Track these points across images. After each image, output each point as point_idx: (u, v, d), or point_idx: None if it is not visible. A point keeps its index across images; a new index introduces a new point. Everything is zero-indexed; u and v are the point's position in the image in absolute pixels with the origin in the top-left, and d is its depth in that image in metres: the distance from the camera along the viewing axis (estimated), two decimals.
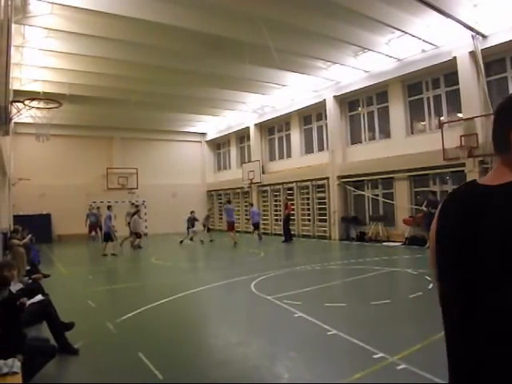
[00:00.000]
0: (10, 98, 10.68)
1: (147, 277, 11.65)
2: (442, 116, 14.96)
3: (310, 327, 5.84)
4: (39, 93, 14.08)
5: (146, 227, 23.79)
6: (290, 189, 21.24)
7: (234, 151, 27.31)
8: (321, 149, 20.15)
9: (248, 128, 24.39)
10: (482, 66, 12.79)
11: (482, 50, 12.69)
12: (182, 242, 19.06)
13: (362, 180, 17.66)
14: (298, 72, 16.47)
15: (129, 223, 18.85)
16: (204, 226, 19.50)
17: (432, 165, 14.39)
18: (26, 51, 12.85)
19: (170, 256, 15.79)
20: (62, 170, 23.19)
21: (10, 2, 6.23)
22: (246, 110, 22.69)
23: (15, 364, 3.46)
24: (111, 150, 25.58)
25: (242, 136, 26.25)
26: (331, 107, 18.56)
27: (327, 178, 18.76)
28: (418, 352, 4.55)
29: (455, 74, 13.72)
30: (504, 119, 1.25)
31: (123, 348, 5.30)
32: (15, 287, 5.66)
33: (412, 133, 16.13)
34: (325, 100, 18.69)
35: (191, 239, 19.18)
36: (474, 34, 12.50)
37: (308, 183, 20.07)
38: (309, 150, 21.08)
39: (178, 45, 13.09)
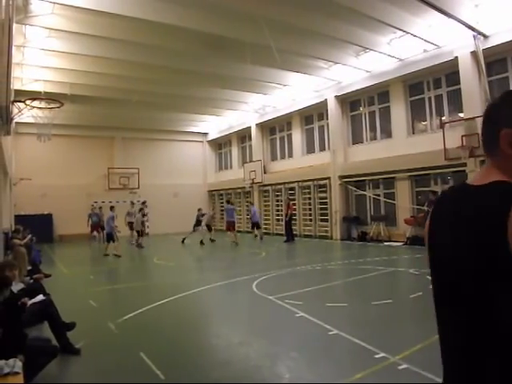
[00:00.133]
0: (12, 98, 10.71)
1: (148, 277, 11.67)
2: (443, 116, 14.95)
3: (311, 327, 5.84)
4: (40, 93, 14.09)
5: (148, 227, 23.78)
6: (292, 189, 21.24)
7: (235, 151, 27.31)
8: (322, 149, 20.15)
9: (249, 128, 24.38)
10: (483, 65, 12.78)
11: (483, 49, 12.68)
12: (184, 240, 19.05)
13: (364, 180, 17.65)
14: (299, 72, 16.46)
15: (129, 223, 18.92)
16: (207, 225, 19.43)
17: (433, 165, 14.38)
18: (28, 51, 12.85)
19: (171, 256, 15.80)
20: (63, 169, 23.20)
21: (11, 2, 6.24)
22: (248, 110, 22.68)
23: (16, 364, 3.46)
24: (113, 150, 25.58)
25: (244, 136, 26.25)
26: (332, 107, 18.56)
27: (329, 178, 18.76)
28: (420, 352, 4.55)
29: (457, 73, 13.71)
30: (495, 119, 1.24)
31: (125, 348, 5.30)
32: (16, 287, 5.66)
33: (413, 133, 16.12)
34: (326, 100, 18.69)
35: (213, 240, 19.11)
36: (475, 33, 12.49)
37: (309, 183, 20.06)
38: (310, 149, 21.08)
39: (180, 45, 13.10)
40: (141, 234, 18.15)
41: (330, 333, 5.48)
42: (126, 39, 12.33)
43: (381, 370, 4.23)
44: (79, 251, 18.25)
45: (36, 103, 12.33)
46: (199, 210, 19.86)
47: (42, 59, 13.51)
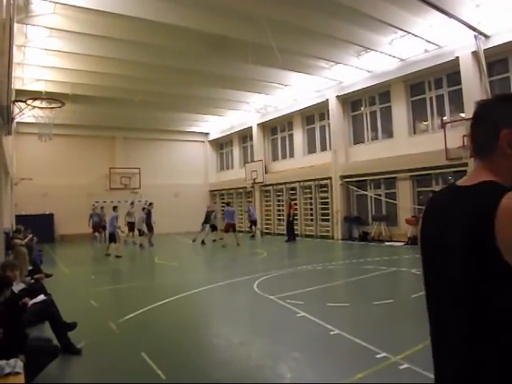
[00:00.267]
0: (13, 98, 10.70)
1: (150, 276, 11.67)
2: (444, 116, 14.94)
3: (312, 327, 5.83)
4: (41, 92, 14.10)
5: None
6: (293, 189, 21.24)
7: (236, 151, 27.31)
8: (323, 149, 20.15)
9: (251, 128, 24.39)
10: (484, 66, 12.78)
11: (484, 50, 12.67)
12: (194, 240, 18.93)
13: (365, 180, 17.65)
14: (300, 72, 16.46)
15: (129, 223, 18.90)
16: (213, 225, 19.33)
17: (434, 165, 14.38)
18: (29, 51, 12.87)
19: (172, 256, 15.79)
20: (64, 169, 23.21)
21: (12, 1, 6.24)
22: (249, 110, 22.69)
23: (17, 364, 3.46)
24: (114, 150, 25.59)
25: (245, 136, 26.25)
26: (334, 107, 18.55)
27: (330, 178, 18.76)
28: (421, 352, 4.53)
29: (458, 73, 13.70)
30: (492, 120, 1.24)
31: (126, 348, 5.30)
32: (17, 287, 5.66)
33: (414, 133, 16.11)
34: (327, 100, 18.69)
35: (214, 240, 19.02)
36: (476, 34, 12.48)
37: (311, 183, 20.05)
38: (311, 149, 21.07)
39: (181, 44, 13.10)
40: (141, 233, 18.16)
41: (332, 333, 5.47)
42: (128, 39, 12.34)
43: (382, 369, 4.22)
44: (80, 251, 18.25)
45: (37, 103, 12.32)
46: (208, 207, 19.76)
47: (43, 59, 13.52)
